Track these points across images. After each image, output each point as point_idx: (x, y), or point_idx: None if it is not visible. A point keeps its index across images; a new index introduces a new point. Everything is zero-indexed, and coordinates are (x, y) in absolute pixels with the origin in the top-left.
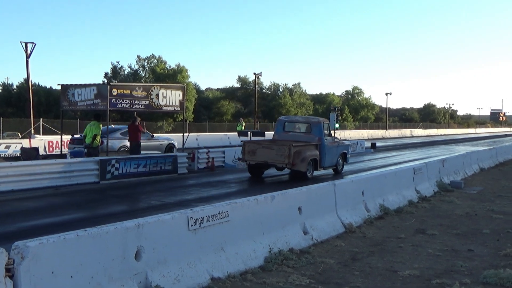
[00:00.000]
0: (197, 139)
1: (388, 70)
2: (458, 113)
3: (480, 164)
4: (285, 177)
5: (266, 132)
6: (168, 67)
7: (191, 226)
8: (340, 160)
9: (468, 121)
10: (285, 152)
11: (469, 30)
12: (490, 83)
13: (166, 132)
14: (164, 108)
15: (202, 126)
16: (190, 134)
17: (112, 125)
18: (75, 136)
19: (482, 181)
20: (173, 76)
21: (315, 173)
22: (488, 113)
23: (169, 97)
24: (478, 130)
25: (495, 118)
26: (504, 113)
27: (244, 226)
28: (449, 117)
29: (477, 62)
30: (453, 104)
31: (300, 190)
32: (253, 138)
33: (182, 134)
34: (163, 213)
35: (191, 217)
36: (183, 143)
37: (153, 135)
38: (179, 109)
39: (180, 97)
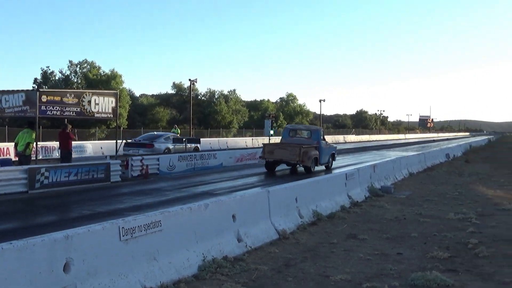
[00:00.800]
0: None
1: (322, 77)
2: (389, 119)
3: (410, 169)
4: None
5: (202, 139)
6: (101, 72)
7: (123, 236)
8: (331, 159)
9: (398, 127)
10: (297, 151)
11: (399, 40)
12: (419, 91)
13: (99, 139)
14: (96, 115)
15: (136, 133)
16: (124, 141)
17: (155, 132)
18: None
19: (411, 186)
20: (107, 82)
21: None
22: (417, 119)
23: (102, 104)
24: (408, 136)
25: (423, 124)
26: (432, 119)
27: (178, 235)
28: (380, 123)
29: (407, 70)
30: (384, 111)
31: (234, 198)
32: (189, 144)
33: (115, 141)
34: (95, 223)
35: (123, 227)
36: (116, 151)
37: (184, 139)
38: (112, 116)
39: (113, 104)
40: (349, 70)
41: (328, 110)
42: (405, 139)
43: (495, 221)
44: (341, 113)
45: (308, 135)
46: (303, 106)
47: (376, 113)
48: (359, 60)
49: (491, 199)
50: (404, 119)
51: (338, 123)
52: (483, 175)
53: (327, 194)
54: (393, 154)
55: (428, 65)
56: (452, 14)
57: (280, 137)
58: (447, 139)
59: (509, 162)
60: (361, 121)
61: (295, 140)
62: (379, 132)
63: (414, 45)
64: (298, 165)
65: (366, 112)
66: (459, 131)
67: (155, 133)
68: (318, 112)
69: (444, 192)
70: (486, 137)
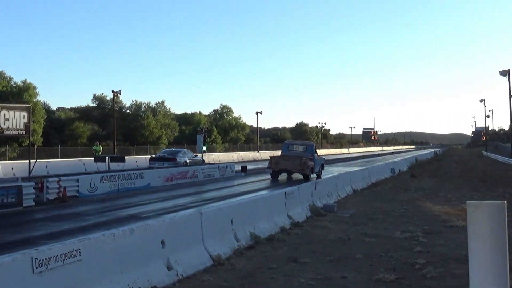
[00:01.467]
0: (46, 166)
1: (259, 88)
2: (330, 132)
3: (353, 186)
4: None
5: (127, 157)
6: (12, 84)
7: (36, 268)
8: (321, 169)
9: (341, 140)
10: (299, 162)
11: (339, 48)
12: (362, 102)
13: (10, 159)
14: (6, 131)
15: (53, 151)
16: (38, 160)
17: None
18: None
19: (355, 203)
20: (18, 95)
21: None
22: (361, 132)
23: (12, 119)
24: (351, 149)
25: (367, 137)
26: (376, 132)
27: (100, 264)
28: (322, 137)
29: (350, 80)
30: (325, 123)
31: (163, 221)
32: (112, 164)
33: (28, 161)
34: (4, 254)
35: (36, 258)
36: (30, 171)
37: (107, 157)
38: (24, 133)
39: (25, 119)
40: (288, 80)
41: (266, 123)
42: (348, 153)
43: (443, 238)
44: (280, 126)
45: (303, 149)
46: (239, 119)
47: (317, 126)
48: (299, 70)
49: (438, 216)
50: (347, 132)
51: (277, 137)
52: (430, 191)
53: (266, 214)
54: (335, 170)
55: (371, 75)
56: (392, 22)
57: (281, 151)
58: (392, 153)
59: (456, 177)
60: (301, 135)
61: (294, 153)
62: (321, 146)
63: (356, 53)
64: (299, 173)
65: (306, 125)
66: (404, 144)
67: (173, 149)
68: (255, 125)
69: (390, 210)
70: (433, 150)
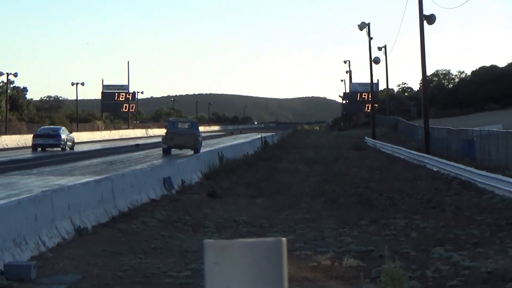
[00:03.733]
0: None
1: None
2: (30, 96)
3: (77, 219)
4: None
5: None
6: None
7: None
8: (198, 143)
9: (51, 113)
10: (193, 138)
11: None
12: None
13: None
14: None
15: None
16: None
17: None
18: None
19: (82, 260)
20: None
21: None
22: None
23: None
24: (79, 133)
25: (115, 106)
26: (134, 94)
27: None
28: (9, 104)
29: None
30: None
31: None
32: None
33: None
34: None
35: None
36: None
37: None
38: None
39: None
40: None
41: None
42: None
43: None
44: None
45: (189, 126)
46: None
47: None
48: None
49: None
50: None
51: None
52: (251, 226)
53: None
54: (33, 185)
55: None
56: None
57: (166, 129)
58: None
59: (308, 195)
60: None
61: (181, 130)
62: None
63: None
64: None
65: None
66: (211, 123)
67: (55, 126)
68: None
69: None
70: (258, 135)
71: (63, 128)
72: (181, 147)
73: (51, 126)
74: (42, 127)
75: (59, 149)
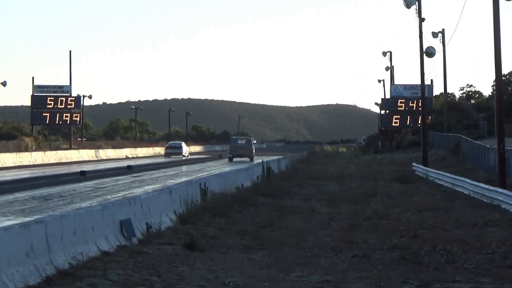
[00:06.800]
0: None
1: None
2: None
3: None
4: None
5: None
6: None
7: None
8: (252, 153)
9: None
10: (249, 150)
11: None
12: None
13: None
14: None
15: None
16: None
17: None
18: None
19: None
20: None
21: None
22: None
23: None
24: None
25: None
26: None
27: None
28: None
29: None
30: None
31: None
32: None
33: None
34: None
35: None
36: None
37: None
38: None
39: None
40: None
41: None
42: None
43: None
44: None
45: (246, 141)
46: None
47: None
48: None
49: None
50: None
51: None
52: None
53: None
54: None
55: None
56: None
57: (230, 143)
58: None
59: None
60: None
61: (241, 144)
62: None
63: None
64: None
65: None
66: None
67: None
68: None
69: None
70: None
71: None
72: (241, 156)
73: None
74: None
75: None
